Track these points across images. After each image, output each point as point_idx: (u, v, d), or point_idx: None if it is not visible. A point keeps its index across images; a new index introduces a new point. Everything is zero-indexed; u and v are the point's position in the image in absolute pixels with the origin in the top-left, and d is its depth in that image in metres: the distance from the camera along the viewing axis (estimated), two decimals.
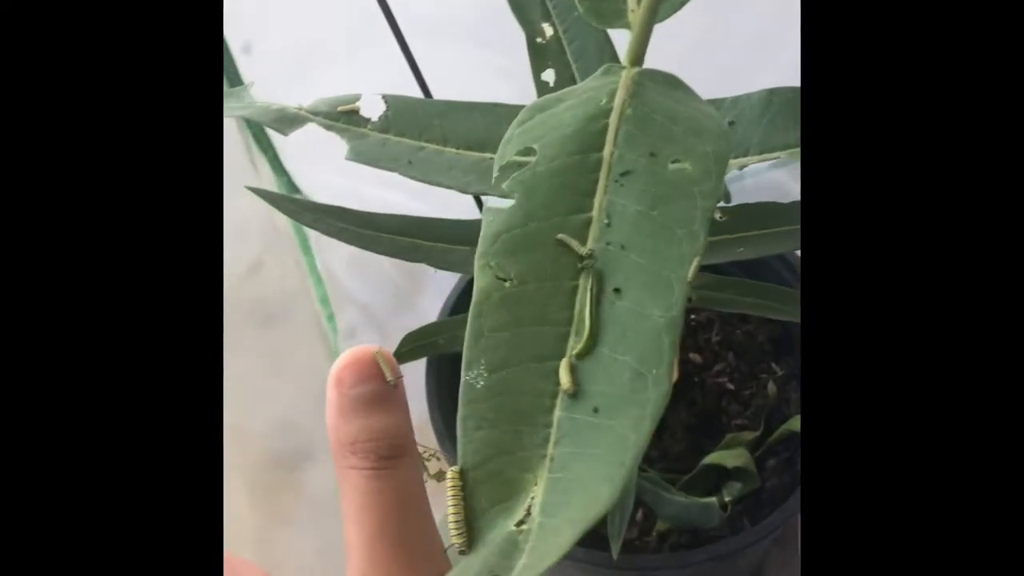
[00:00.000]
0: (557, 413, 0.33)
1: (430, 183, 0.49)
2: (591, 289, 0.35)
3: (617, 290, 0.35)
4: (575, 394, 0.32)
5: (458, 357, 0.69)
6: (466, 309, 0.67)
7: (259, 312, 1.01)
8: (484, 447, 0.32)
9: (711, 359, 0.74)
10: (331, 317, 0.96)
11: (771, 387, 0.69)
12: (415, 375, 0.71)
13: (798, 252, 0.66)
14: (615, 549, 0.56)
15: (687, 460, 0.67)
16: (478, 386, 0.33)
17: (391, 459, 0.34)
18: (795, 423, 0.63)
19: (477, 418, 0.32)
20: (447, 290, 0.76)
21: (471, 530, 0.30)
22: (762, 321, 0.73)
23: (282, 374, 0.97)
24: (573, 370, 0.33)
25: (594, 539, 0.59)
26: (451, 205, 0.73)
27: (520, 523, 0.30)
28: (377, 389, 0.34)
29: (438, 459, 0.53)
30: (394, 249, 0.60)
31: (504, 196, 0.38)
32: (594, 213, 0.36)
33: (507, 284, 0.35)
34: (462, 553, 0.30)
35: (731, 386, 0.71)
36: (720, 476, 0.66)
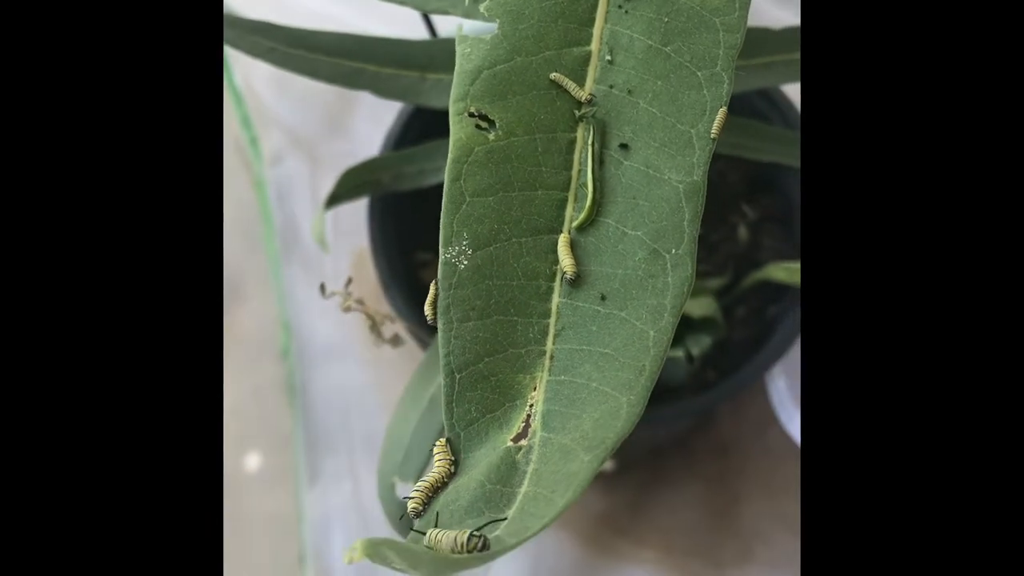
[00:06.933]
0: (556, 299, 0.27)
1: None
2: (592, 144, 0.28)
3: (624, 146, 0.28)
4: (576, 277, 0.27)
5: (403, 196, 0.63)
6: (412, 143, 0.59)
7: None
8: (472, 343, 0.26)
9: None
10: (254, 141, 0.87)
11: (742, 231, 0.65)
12: (356, 216, 0.64)
13: (783, 87, 0.60)
14: None
15: None
16: (461, 267, 0.27)
17: None
18: (770, 271, 0.59)
19: (463, 307, 0.26)
20: (382, 108, 0.68)
21: (453, 453, 0.25)
22: (734, 159, 0.67)
23: None
24: (573, 246, 0.27)
25: None
26: (396, 22, 0.65)
27: (518, 438, 0.25)
28: None
29: (391, 321, 0.48)
30: (333, 74, 0.51)
31: (480, 20, 0.31)
32: (593, 46, 0.29)
33: (491, 136, 0.28)
34: (416, 515, 0.25)
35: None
36: (684, 326, 0.62)
